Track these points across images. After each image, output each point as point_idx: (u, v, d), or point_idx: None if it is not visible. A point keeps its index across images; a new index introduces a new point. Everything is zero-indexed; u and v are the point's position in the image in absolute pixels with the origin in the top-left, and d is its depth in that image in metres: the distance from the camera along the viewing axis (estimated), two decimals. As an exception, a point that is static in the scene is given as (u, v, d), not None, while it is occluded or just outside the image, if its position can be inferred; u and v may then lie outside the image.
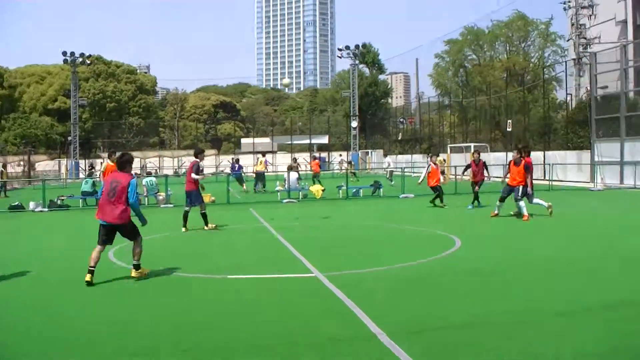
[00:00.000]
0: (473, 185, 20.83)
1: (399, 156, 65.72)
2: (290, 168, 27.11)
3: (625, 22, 48.02)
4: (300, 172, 30.71)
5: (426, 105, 69.34)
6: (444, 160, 39.19)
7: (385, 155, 56.52)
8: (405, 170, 36.97)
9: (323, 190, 26.84)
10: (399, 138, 71.04)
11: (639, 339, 6.23)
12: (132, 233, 9.50)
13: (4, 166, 38.81)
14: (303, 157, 58.93)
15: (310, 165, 41.36)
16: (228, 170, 42.26)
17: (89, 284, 8.92)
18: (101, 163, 40.56)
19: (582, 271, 9.73)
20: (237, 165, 35.67)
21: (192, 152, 18.40)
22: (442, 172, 35.92)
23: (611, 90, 35.64)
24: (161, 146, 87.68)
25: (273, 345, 6.20)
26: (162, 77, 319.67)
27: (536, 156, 41.75)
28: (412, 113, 76.71)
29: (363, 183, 32.86)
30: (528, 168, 16.75)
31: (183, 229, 15.35)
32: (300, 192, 26.62)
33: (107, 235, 9.30)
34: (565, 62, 49.04)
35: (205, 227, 15.62)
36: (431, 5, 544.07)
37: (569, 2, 48.78)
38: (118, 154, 11.12)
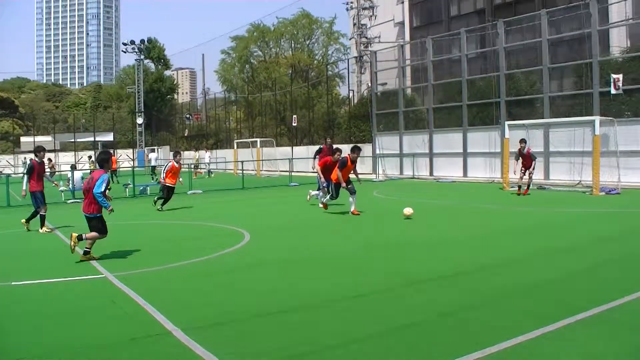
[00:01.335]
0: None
1: (186, 152, 63.52)
2: (74, 167, 24.62)
3: (402, 23, 49.90)
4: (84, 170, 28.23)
5: (212, 101, 67.77)
6: (198, 157, 38.11)
7: (196, 150, 53.28)
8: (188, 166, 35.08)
9: (109, 189, 24.34)
10: (186, 134, 68.64)
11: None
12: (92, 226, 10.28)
13: None
14: (88, 156, 54.75)
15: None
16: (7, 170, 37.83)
17: None
18: None
19: (351, 259, 9.95)
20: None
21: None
22: (196, 167, 34.98)
23: (390, 86, 36.53)
24: None
25: (54, 352, 5.69)
26: None
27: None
28: (199, 109, 74.78)
29: (149, 181, 31.32)
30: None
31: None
32: None
33: None
34: (348, 59, 50.06)
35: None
36: (218, 1, 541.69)
37: (351, 2, 49.71)
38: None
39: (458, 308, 6.68)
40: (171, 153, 21.52)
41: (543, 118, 25.59)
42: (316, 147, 43.30)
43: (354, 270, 8.98)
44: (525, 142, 20.70)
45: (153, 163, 42.50)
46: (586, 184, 22.20)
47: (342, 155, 16.18)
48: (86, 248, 10.25)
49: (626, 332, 5.75)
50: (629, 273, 8.33)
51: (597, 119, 20.85)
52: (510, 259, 9.51)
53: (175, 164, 18.67)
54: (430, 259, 9.72)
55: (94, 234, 10.26)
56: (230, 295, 7.67)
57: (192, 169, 36.00)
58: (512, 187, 22.84)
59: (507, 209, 16.98)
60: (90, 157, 47.29)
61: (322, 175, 16.65)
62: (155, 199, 19.35)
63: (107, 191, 10.28)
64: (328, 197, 16.27)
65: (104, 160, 10.56)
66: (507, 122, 24.35)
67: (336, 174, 15.69)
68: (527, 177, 20.53)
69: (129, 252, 10.97)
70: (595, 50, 24.21)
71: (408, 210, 14.58)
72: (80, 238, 10.09)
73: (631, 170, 22.17)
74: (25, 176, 14.70)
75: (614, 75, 22.79)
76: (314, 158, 21.96)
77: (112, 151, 49.68)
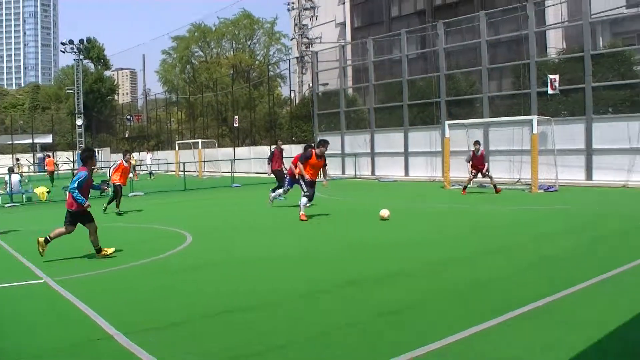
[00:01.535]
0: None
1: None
2: (11, 170, 24.27)
3: (344, 24, 49.70)
4: (23, 173, 27.26)
5: (153, 102, 66.43)
6: (136, 160, 37.33)
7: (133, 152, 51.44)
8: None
9: (49, 192, 24.17)
10: (127, 136, 67.04)
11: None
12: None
13: None
14: (26, 158, 53.26)
15: (46, 164, 38.20)
16: None
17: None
18: None
19: (294, 261, 9.71)
20: None
21: None
22: (134, 168, 34.22)
23: (331, 87, 36.30)
24: None
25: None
26: None
27: (264, 150, 41.46)
28: (140, 110, 73.22)
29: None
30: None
31: None
32: (24, 195, 23.73)
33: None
34: (289, 60, 49.63)
35: None
36: (158, 0, 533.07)
37: (293, 3, 49.38)
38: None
39: (401, 307, 6.60)
40: (115, 155, 20.73)
41: (483, 117, 25.71)
42: (258, 148, 43.23)
43: (299, 271, 8.86)
44: (480, 144, 20.64)
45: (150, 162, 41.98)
46: (525, 181, 22.37)
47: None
48: (97, 247, 10.22)
49: (567, 325, 5.77)
50: (569, 269, 8.31)
51: (534, 118, 20.99)
52: (453, 257, 9.41)
53: (125, 162, 17.97)
54: (375, 258, 9.54)
55: (60, 230, 10.19)
56: (174, 297, 7.49)
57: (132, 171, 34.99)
58: (452, 185, 22.90)
59: (449, 207, 16.89)
60: (18, 159, 45.36)
61: (304, 174, 15.34)
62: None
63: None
64: (305, 200, 14.83)
65: (87, 157, 10.43)
66: (447, 122, 24.36)
67: (299, 168, 14.76)
68: (489, 178, 20.34)
69: (69, 256, 10.57)
70: (533, 52, 24.44)
71: (385, 212, 14.03)
72: (99, 251, 10.17)
73: (568, 168, 22.43)
74: None
75: (550, 76, 23.04)
76: (268, 164, 21.56)
77: (50, 154, 48.25)
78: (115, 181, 17.71)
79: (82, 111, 60.82)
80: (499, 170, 24.67)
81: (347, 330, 5.90)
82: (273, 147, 22.13)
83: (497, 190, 19.78)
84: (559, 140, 22.17)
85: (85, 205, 9.95)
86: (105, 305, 7.07)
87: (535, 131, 20.55)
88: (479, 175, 20.28)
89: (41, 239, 10.02)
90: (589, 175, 22.24)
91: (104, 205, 17.74)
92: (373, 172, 31.68)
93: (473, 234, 11.92)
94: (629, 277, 7.68)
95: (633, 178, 20.94)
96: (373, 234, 12.30)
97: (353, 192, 22.88)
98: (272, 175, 21.49)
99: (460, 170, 25.41)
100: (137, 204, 21.05)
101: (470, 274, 8.11)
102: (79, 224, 10.19)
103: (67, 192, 10.45)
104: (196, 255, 10.36)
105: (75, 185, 9.89)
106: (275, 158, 21.10)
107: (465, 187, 20.76)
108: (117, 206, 17.60)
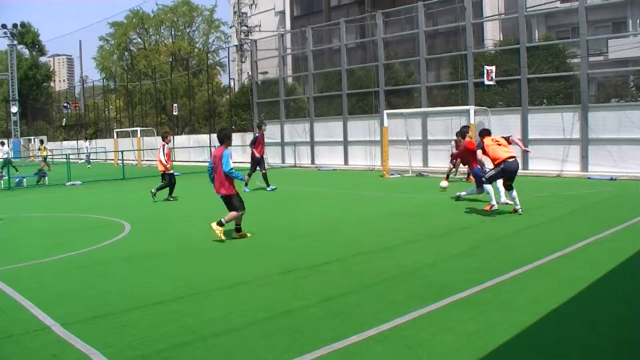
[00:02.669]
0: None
1: (64, 142, 59.88)
2: None
3: (283, 12, 48.68)
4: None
5: (91, 89, 63.98)
6: (45, 148, 35.79)
7: (85, 140, 48.99)
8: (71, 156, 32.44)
9: None
10: (64, 124, 64.48)
11: None
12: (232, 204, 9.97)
13: None
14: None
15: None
16: None
17: None
18: None
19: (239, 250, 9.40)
20: None
21: None
22: (45, 160, 32.83)
23: (271, 75, 35.40)
24: None
25: None
26: None
27: (202, 139, 40.35)
28: (77, 97, 70.55)
29: (26, 172, 29.02)
30: None
31: None
32: None
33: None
34: (229, 48, 48.19)
35: None
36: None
37: (232, -10, 48.14)
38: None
39: (338, 293, 6.56)
40: (52, 143, 19.43)
41: (421, 107, 25.38)
42: (198, 137, 41.98)
43: (236, 259, 8.65)
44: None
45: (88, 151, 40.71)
46: (463, 170, 22.11)
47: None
48: (236, 225, 10.08)
49: (496, 311, 5.76)
50: (502, 254, 8.36)
51: (471, 108, 20.71)
52: (390, 244, 9.35)
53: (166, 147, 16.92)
54: (312, 245, 9.43)
55: (233, 213, 9.95)
56: (110, 287, 7.23)
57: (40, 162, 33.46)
58: (391, 174, 22.52)
59: (386, 195, 16.51)
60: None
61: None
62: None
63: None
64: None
65: (226, 137, 10.25)
66: (385, 111, 23.82)
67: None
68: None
69: (4, 246, 10.37)
70: (470, 43, 24.10)
71: (444, 184, 17.23)
72: (221, 224, 9.84)
73: (504, 158, 22.27)
74: None
75: (487, 67, 22.73)
76: (252, 147, 19.59)
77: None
78: (168, 169, 16.74)
79: (17, 98, 58.21)
80: (437, 160, 24.45)
81: (286, 317, 5.83)
82: (257, 131, 19.48)
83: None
84: (495, 131, 21.89)
85: (246, 179, 10.12)
86: (41, 296, 6.85)
87: (472, 121, 20.24)
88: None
89: (214, 224, 9.85)
90: (524, 165, 22.10)
91: (154, 190, 16.66)
92: (312, 161, 31.02)
93: (408, 220, 11.94)
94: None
95: (567, 168, 20.92)
96: (311, 219, 12.39)
97: (292, 181, 22.25)
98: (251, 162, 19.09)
99: (399, 160, 25.11)
100: (75, 193, 20.43)
101: (405, 260, 8.13)
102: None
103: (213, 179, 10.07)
104: (134, 245, 10.04)
105: (231, 164, 9.87)
106: (258, 142, 18.72)
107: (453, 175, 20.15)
108: (171, 193, 16.86)
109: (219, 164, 9.82)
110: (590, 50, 22.22)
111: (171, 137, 17.74)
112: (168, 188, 16.68)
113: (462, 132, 14.66)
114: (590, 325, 5.38)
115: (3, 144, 31.49)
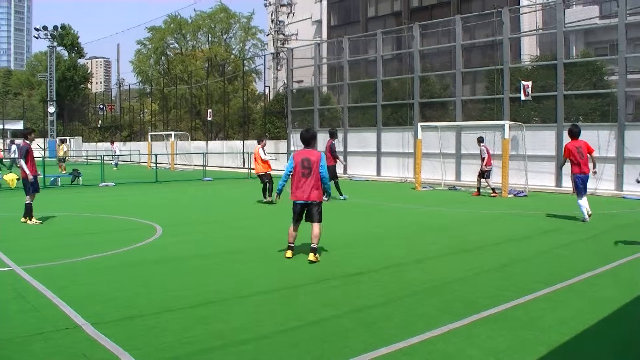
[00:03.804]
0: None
1: (99, 144, 60.99)
2: None
3: (320, 22, 49.24)
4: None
5: (127, 92, 65.21)
6: (65, 150, 36.64)
7: (112, 142, 50.22)
8: (105, 158, 33.28)
9: (18, 179, 23.16)
10: (99, 125, 65.77)
11: None
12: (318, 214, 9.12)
13: None
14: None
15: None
16: None
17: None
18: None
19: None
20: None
21: None
22: (63, 160, 33.62)
23: (306, 84, 35.86)
24: None
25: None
26: None
27: (235, 145, 40.93)
28: (113, 100, 71.95)
29: (54, 172, 29.49)
30: None
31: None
32: None
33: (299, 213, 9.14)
34: (265, 55, 48.87)
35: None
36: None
37: (270, -1, 48.80)
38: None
39: (369, 304, 6.63)
40: (86, 144, 20.01)
41: (455, 121, 25.53)
42: (231, 143, 42.61)
43: (268, 267, 8.73)
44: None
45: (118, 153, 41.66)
46: (495, 186, 22.22)
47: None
48: (313, 245, 9.03)
49: (525, 329, 5.77)
50: (534, 272, 8.38)
51: (506, 123, 20.82)
52: (421, 256, 9.51)
53: (262, 150, 17.68)
54: (344, 256, 9.51)
55: (318, 228, 9.04)
56: (141, 290, 7.34)
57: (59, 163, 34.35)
58: (423, 187, 22.69)
59: (421, 208, 16.67)
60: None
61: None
62: None
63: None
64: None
65: (313, 137, 9.25)
66: (420, 124, 24.07)
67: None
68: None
69: (39, 244, 10.46)
70: (507, 57, 24.25)
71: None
72: (315, 250, 8.97)
73: (538, 174, 22.32)
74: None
75: (523, 82, 22.88)
76: (333, 155, 18.90)
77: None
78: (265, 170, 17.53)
79: (55, 98, 59.59)
80: (470, 173, 24.55)
81: (316, 326, 5.88)
82: (331, 139, 19.56)
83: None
84: (529, 146, 22.06)
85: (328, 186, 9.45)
86: (73, 295, 6.93)
87: (506, 136, 20.39)
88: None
89: (312, 254, 8.99)
90: (558, 182, 22.15)
91: (267, 199, 17.41)
92: (345, 171, 31.33)
93: (441, 234, 12.04)
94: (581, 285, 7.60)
95: (601, 186, 20.89)
96: (342, 231, 12.20)
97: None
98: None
99: (432, 172, 25.28)
100: (108, 194, 20.76)
101: (436, 274, 8.21)
102: None
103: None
104: (165, 248, 10.21)
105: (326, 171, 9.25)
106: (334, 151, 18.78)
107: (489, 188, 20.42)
108: (270, 195, 17.36)
109: (315, 167, 8.91)
110: (629, 68, 22.20)
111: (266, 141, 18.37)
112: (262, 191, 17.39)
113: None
114: (622, 345, 5.42)
115: (13, 142, 32.17)
